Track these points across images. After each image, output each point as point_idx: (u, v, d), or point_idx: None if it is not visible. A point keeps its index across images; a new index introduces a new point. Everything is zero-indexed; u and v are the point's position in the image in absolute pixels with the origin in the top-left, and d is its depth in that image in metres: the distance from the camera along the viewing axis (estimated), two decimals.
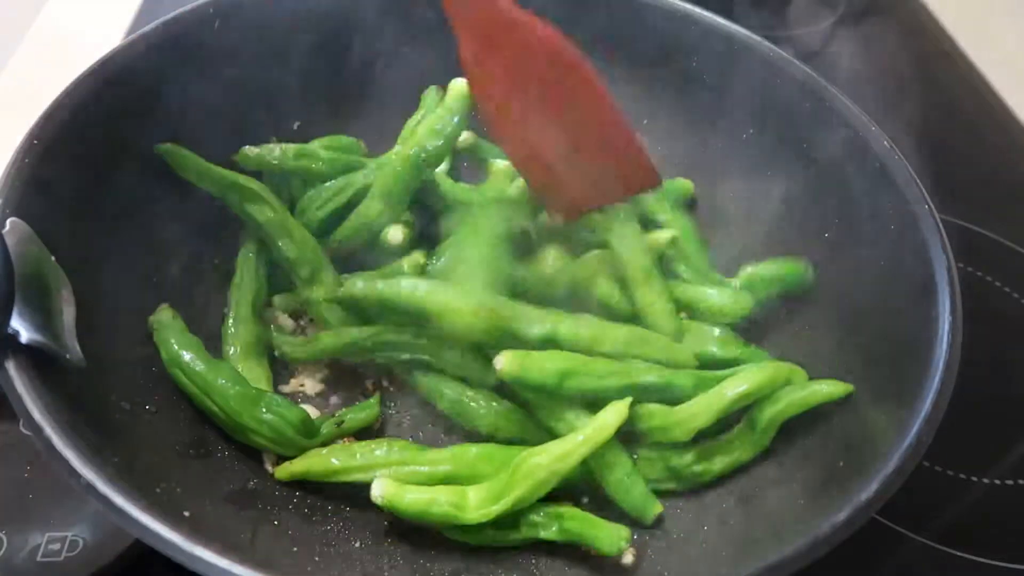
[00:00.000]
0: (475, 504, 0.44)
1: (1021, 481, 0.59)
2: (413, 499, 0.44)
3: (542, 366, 0.47)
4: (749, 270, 0.57)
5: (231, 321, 0.55)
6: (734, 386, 0.49)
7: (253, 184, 0.55)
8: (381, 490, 0.44)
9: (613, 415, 0.46)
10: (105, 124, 0.50)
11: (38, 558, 0.47)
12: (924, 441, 0.40)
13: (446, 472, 0.46)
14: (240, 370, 0.51)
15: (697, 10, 0.62)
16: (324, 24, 0.62)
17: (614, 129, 0.49)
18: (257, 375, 0.53)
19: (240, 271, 0.57)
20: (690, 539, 0.47)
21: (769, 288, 0.56)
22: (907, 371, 0.44)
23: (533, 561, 0.46)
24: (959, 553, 0.54)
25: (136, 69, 0.52)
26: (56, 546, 0.47)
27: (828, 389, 0.48)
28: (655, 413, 0.49)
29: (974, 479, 0.59)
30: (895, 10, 1.03)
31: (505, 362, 0.47)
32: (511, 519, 0.45)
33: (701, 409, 0.48)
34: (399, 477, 0.46)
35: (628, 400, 0.47)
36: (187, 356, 0.48)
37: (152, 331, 0.50)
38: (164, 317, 0.51)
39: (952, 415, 0.41)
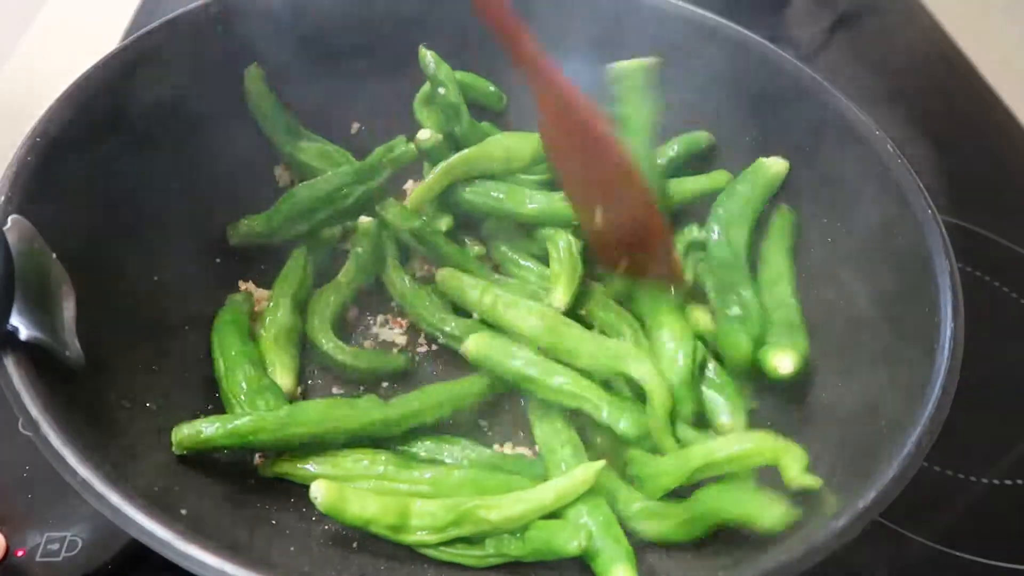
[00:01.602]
0: (415, 527, 0.43)
1: (1021, 481, 0.59)
2: (353, 513, 0.43)
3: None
4: None
5: (271, 305, 0.57)
6: (711, 449, 0.45)
7: None
8: (320, 494, 0.42)
9: (578, 483, 0.44)
10: (109, 122, 0.50)
11: (37, 558, 0.47)
12: (923, 448, 0.39)
13: (425, 492, 0.46)
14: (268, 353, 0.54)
15: (697, 11, 0.62)
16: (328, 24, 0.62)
17: (653, 224, 0.54)
18: (284, 361, 0.54)
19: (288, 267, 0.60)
20: (687, 544, 0.46)
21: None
22: (909, 378, 0.43)
23: None
24: (959, 553, 0.54)
25: (141, 67, 0.53)
26: (55, 546, 0.47)
27: (768, 520, 0.40)
28: (636, 459, 0.48)
29: (973, 479, 0.59)
30: (894, 11, 1.03)
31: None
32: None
33: (670, 468, 0.46)
34: (377, 491, 0.45)
35: (600, 464, 0.45)
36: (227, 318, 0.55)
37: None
38: (239, 298, 0.58)
39: (952, 415, 0.41)
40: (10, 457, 0.51)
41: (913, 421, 0.40)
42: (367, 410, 0.49)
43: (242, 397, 0.50)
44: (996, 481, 0.59)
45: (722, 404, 0.51)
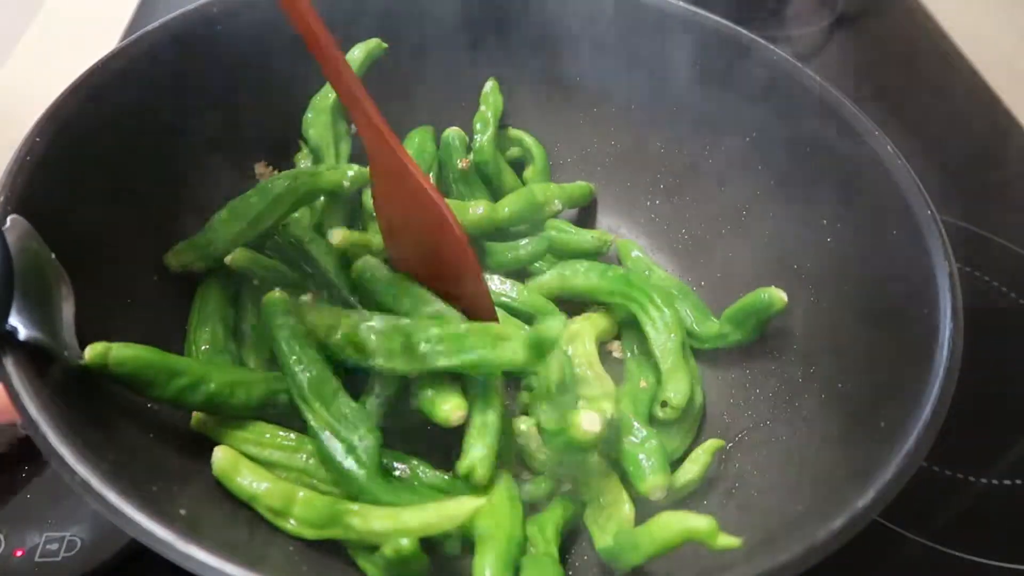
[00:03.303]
0: (296, 517, 0.43)
1: (1020, 481, 0.59)
2: (241, 485, 0.44)
3: None
4: (726, 312, 0.57)
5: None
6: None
7: None
8: (217, 458, 0.44)
9: (444, 517, 0.41)
10: (108, 122, 0.50)
11: (36, 558, 0.47)
12: (922, 449, 0.39)
13: (338, 496, 0.45)
14: None
15: (696, 10, 0.61)
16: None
17: (470, 275, 0.52)
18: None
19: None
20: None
21: (749, 320, 0.56)
22: (907, 378, 0.43)
23: None
24: (958, 553, 0.54)
25: (140, 67, 0.52)
26: (54, 546, 0.47)
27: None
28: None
29: (973, 479, 0.59)
30: (892, 11, 1.03)
31: None
32: None
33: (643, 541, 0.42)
34: (293, 481, 0.46)
35: (477, 502, 0.41)
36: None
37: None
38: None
39: (952, 415, 0.41)
40: (9, 457, 0.51)
41: (912, 421, 0.40)
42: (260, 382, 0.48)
43: (203, 348, 0.51)
44: (996, 481, 0.59)
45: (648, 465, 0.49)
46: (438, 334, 0.47)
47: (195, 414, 0.48)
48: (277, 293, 0.50)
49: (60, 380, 0.39)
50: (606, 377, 0.54)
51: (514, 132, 0.70)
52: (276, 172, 0.65)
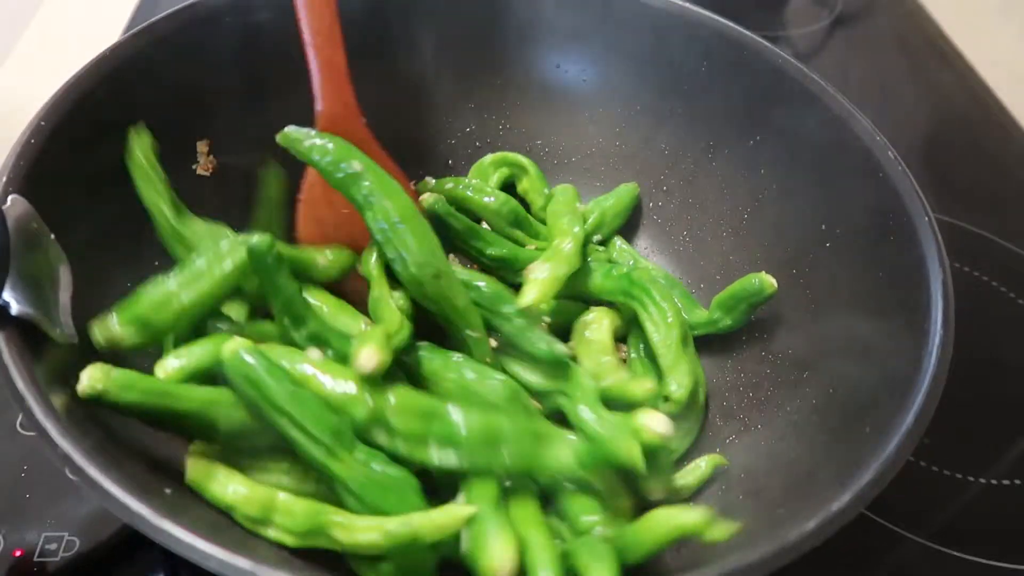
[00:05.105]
0: (279, 525, 0.40)
1: (1019, 481, 0.58)
2: (216, 493, 0.41)
3: None
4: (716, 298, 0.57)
5: None
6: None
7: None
8: (189, 468, 0.41)
9: (436, 524, 0.39)
10: (111, 110, 0.51)
11: (35, 558, 0.47)
12: (904, 454, 0.39)
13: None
14: None
15: (696, 9, 0.62)
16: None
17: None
18: None
19: None
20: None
21: (739, 305, 0.56)
22: (895, 384, 0.43)
23: None
24: (956, 553, 0.54)
25: (144, 58, 0.53)
26: (53, 546, 0.47)
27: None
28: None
29: (970, 479, 0.58)
30: (891, 10, 1.04)
31: None
32: None
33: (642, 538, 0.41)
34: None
35: (470, 509, 0.40)
36: None
37: None
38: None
39: (950, 415, 0.41)
40: (8, 457, 0.51)
41: (894, 427, 0.40)
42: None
43: None
44: (995, 481, 0.58)
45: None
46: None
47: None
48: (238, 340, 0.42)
49: (53, 358, 0.39)
50: (621, 366, 0.54)
51: (496, 156, 0.68)
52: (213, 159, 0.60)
